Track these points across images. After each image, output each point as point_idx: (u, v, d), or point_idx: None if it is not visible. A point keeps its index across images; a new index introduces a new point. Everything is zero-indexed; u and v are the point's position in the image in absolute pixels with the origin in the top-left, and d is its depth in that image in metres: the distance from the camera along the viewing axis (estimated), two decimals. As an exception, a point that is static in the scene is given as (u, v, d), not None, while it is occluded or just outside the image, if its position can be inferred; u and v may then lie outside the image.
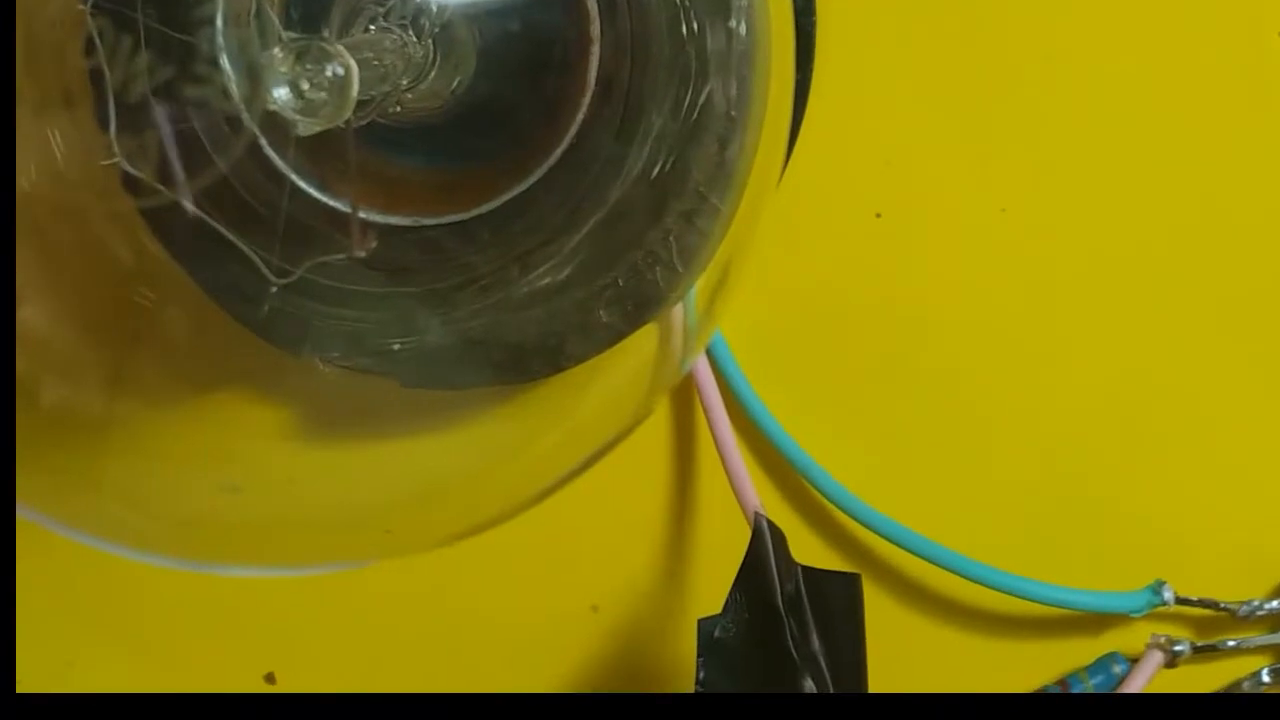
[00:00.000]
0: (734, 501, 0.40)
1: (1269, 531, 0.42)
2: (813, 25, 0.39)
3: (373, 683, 0.43)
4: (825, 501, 0.42)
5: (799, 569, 0.39)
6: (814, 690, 0.38)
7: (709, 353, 0.42)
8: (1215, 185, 0.41)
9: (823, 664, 0.38)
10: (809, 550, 0.42)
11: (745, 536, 0.38)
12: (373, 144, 0.35)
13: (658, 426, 0.42)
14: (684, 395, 0.42)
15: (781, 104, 0.34)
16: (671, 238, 0.35)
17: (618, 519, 0.42)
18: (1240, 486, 0.42)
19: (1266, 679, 0.41)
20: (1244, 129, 0.40)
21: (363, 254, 0.34)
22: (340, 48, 0.29)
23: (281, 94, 0.29)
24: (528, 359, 0.37)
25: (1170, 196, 0.41)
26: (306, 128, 0.30)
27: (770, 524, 0.39)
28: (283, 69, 0.29)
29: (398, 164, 0.36)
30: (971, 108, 0.41)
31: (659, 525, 0.43)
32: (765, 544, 0.39)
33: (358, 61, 0.30)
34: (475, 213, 0.36)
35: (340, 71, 0.29)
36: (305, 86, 0.29)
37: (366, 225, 0.34)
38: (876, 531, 0.41)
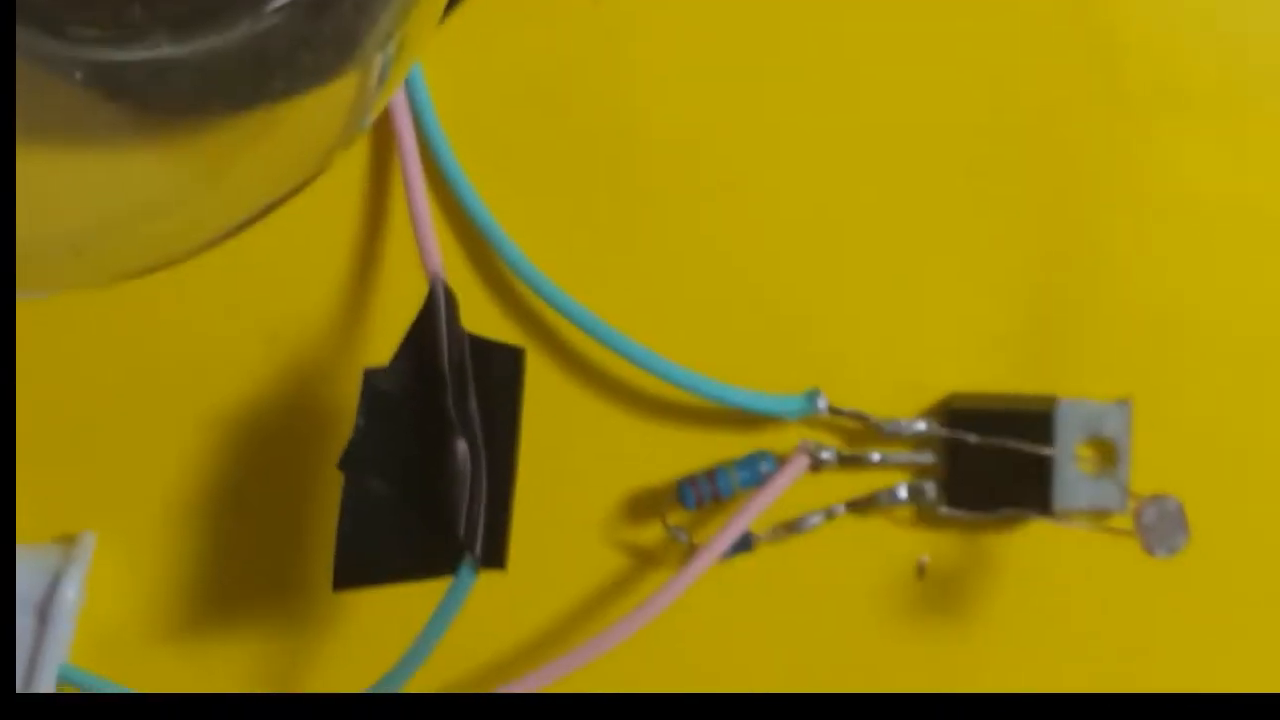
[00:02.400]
0: (418, 259, 0.41)
1: (927, 358, 0.44)
2: None
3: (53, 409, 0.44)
4: (508, 271, 0.43)
5: (467, 336, 0.40)
6: (465, 452, 0.39)
7: (414, 114, 0.42)
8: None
9: (477, 429, 0.40)
10: (486, 318, 0.43)
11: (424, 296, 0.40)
12: None
13: (351, 172, 0.43)
14: (384, 149, 0.43)
15: None
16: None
17: (302, 254, 0.43)
18: (907, 311, 0.44)
19: (902, 495, 0.43)
20: None
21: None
22: None
23: None
24: (231, 86, 0.37)
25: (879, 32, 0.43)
26: None
27: (446, 287, 0.40)
28: None
29: None
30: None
31: (343, 268, 0.43)
32: (438, 306, 0.40)
33: None
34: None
35: None
36: None
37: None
38: (551, 304, 0.42)
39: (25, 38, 0.34)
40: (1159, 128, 0.43)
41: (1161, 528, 0.40)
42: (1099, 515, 0.43)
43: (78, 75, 0.34)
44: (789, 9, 0.43)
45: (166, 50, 0.34)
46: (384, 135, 0.42)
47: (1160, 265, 0.44)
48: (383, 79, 0.36)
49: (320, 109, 0.36)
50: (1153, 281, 0.44)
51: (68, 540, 0.43)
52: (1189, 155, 0.43)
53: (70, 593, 0.42)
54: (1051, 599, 0.44)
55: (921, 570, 0.44)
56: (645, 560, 0.44)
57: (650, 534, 0.44)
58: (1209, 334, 0.44)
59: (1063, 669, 0.44)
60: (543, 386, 0.43)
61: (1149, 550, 0.40)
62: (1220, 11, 0.43)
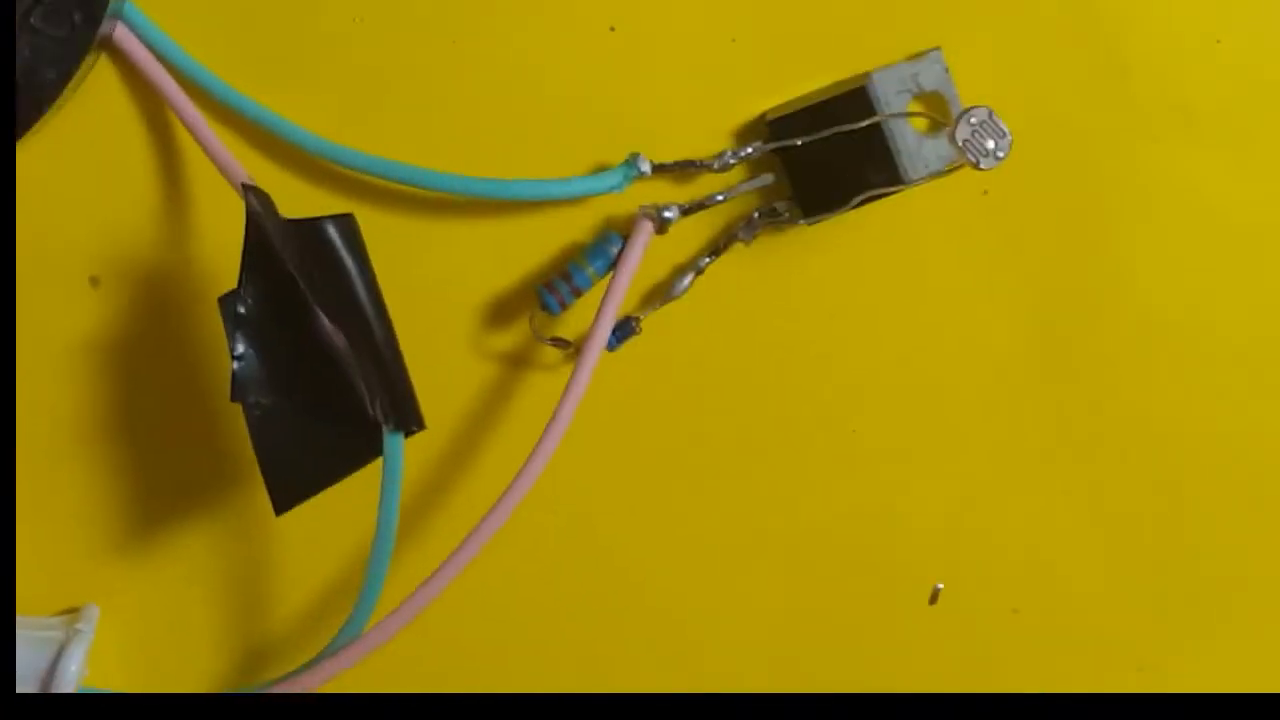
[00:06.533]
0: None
1: (724, 91, 0.44)
2: None
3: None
4: (306, 153, 0.42)
5: (292, 225, 0.39)
6: (338, 332, 0.39)
7: (153, 50, 0.41)
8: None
9: (341, 305, 0.39)
10: (306, 202, 0.42)
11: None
12: None
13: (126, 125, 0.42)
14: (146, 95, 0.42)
15: None
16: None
17: (117, 192, 0.42)
18: (710, 42, 0.44)
19: (758, 222, 0.43)
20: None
21: None
22: None
23: None
24: None
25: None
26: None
27: (257, 190, 0.39)
28: None
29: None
30: None
31: (158, 204, 0.42)
32: (256, 211, 0.39)
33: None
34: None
35: None
36: None
37: None
38: (359, 169, 0.42)
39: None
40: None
41: (978, 139, 0.40)
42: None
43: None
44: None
45: None
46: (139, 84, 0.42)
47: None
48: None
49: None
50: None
51: (71, 614, 0.43)
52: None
53: (73, 666, 0.41)
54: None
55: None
56: (528, 365, 0.44)
57: (522, 338, 0.44)
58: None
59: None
60: (379, 237, 0.41)
61: (975, 164, 0.40)
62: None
